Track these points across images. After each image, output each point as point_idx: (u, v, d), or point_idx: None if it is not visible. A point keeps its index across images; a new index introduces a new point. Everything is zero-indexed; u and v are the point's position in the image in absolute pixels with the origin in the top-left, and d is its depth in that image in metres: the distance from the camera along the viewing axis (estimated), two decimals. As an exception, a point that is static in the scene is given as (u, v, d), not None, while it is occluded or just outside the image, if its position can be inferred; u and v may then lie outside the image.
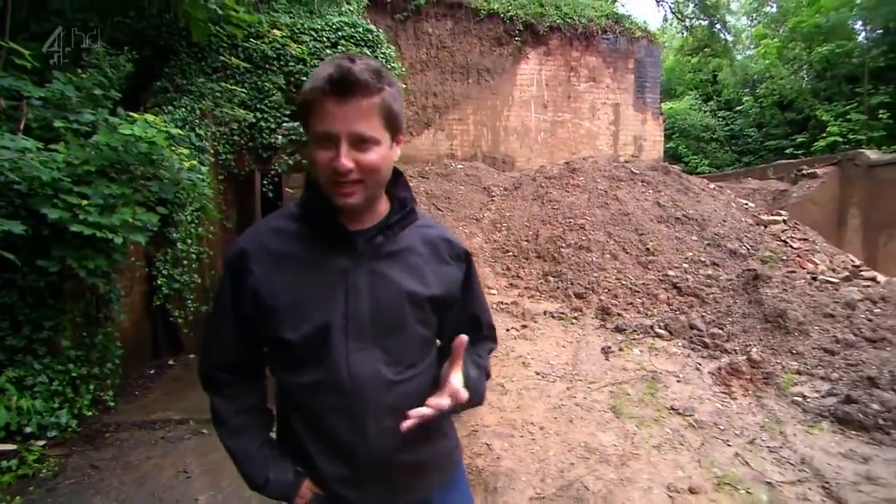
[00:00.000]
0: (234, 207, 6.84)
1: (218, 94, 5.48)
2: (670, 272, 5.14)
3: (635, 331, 4.25)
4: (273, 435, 1.18)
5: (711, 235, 5.73)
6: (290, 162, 3.79)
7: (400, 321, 1.07)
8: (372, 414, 1.04)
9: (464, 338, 1.03)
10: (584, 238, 5.59)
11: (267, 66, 6.34)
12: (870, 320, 4.41)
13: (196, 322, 5.38)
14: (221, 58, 5.64)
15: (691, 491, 2.38)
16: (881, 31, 15.62)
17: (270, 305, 1.03)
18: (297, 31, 6.59)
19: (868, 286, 5.24)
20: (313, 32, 6.72)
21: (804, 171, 11.95)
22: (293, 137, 3.74)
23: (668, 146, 21.33)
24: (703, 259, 5.33)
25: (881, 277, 5.86)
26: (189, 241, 5.16)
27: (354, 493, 1.07)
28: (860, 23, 15.89)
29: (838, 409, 3.00)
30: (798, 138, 17.11)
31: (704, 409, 3.12)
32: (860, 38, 15.97)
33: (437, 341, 1.21)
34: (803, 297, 4.42)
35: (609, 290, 4.96)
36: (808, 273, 5.39)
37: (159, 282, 4.78)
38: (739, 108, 21.43)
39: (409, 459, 1.09)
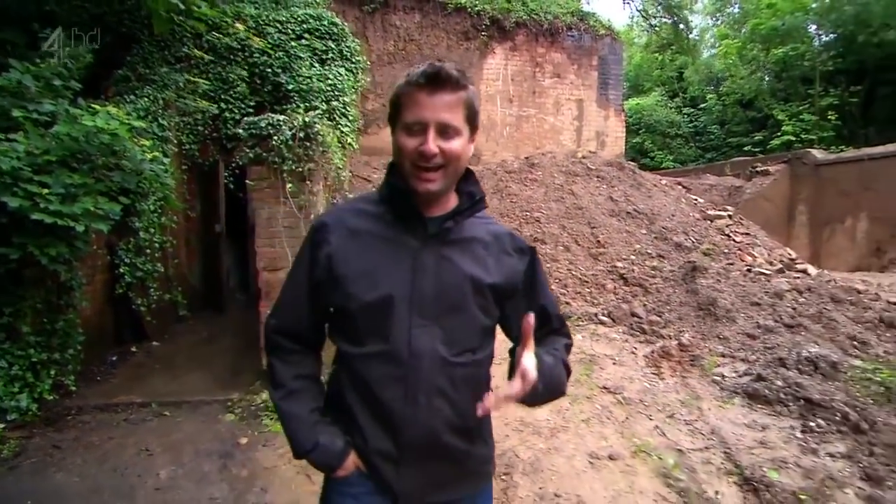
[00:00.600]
0: (199, 197, 6.91)
1: (181, 86, 5.54)
2: (618, 263, 5.48)
3: (580, 318, 4.56)
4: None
5: (659, 229, 6.10)
6: (251, 155, 3.93)
7: (461, 303, 1.13)
8: (424, 389, 1.09)
9: (531, 316, 1.05)
10: (539, 231, 5.88)
11: (231, 57, 6.40)
12: (794, 308, 4.84)
13: (159, 310, 5.47)
14: (185, 49, 5.68)
15: (610, 458, 2.68)
16: (833, 35, 16.40)
17: (342, 273, 1.12)
18: (262, 22, 6.65)
19: (798, 278, 5.69)
20: (278, 24, 6.79)
21: (757, 169, 12.55)
22: (253, 131, 3.87)
23: (634, 141, 21.94)
24: (649, 251, 5.69)
25: (812, 270, 6.34)
26: (152, 231, 5.24)
27: (393, 472, 1.12)
28: (814, 27, 16.62)
29: (749, 387, 3.36)
30: (756, 136, 17.83)
31: (633, 388, 3.44)
32: (815, 42, 16.71)
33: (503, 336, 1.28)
34: (735, 287, 4.81)
35: (560, 280, 5.27)
36: (746, 265, 5.81)
37: (122, 270, 4.87)
38: (703, 105, 22.09)
39: (452, 445, 1.13)
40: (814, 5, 15.34)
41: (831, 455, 2.75)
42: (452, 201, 1.20)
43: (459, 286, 1.13)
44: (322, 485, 1.26)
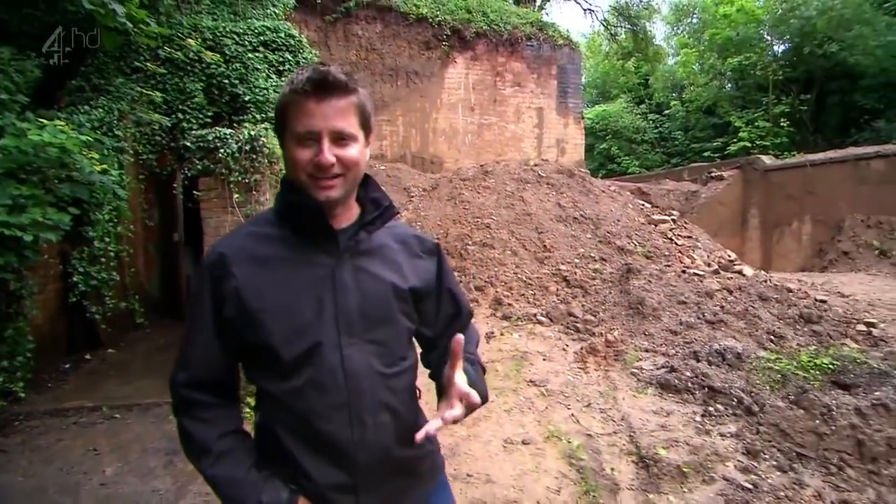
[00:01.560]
0: (157, 206, 7.04)
1: (136, 98, 5.70)
2: (562, 266, 5.82)
3: (520, 318, 4.87)
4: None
5: (604, 233, 6.47)
6: (200, 167, 4.15)
7: (387, 313, 1.12)
8: (369, 409, 1.06)
9: (461, 337, 1.05)
10: (488, 236, 6.19)
11: (189, 68, 6.58)
12: (721, 307, 5.23)
13: (115, 318, 5.60)
14: (136, 63, 5.84)
15: (524, 442, 2.97)
16: (785, 46, 17.26)
17: (256, 307, 1.04)
18: (218, 34, 6.84)
19: (731, 278, 6.11)
20: (235, 36, 6.98)
21: (713, 174, 13.14)
22: (201, 144, 4.09)
23: (601, 147, 22.60)
24: (592, 255, 6.05)
25: (749, 271, 6.78)
26: (107, 240, 5.37)
27: (348, 499, 1.07)
28: (768, 38, 17.46)
29: (662, 378, 3.71)
30: (715, 142, 18.58)
31: (557, 381, 3.76)
32: (771, 52, 17.55)
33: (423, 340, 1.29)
34: (666, 287, 5.19)
35: (506, 283, 5.58)
36: (683, 267, 6.21)
37: (75, 279, 5.00)
38: (668, 111, 22.88)
39: (405, 457, 1.13)
40: (765, 17, 16.14)
41: (722, 435, 3.10)
42: (354, 210, 1.18)
43: (384, 297, 1.12)
44: None
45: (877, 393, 3.30)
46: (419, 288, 1.19)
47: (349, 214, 1.16)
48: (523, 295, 5.42)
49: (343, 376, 1.05)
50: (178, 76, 6.42)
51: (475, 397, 1.05)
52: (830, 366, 3.80)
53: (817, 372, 3.74)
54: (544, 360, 4.12)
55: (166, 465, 3.26)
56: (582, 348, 4.26)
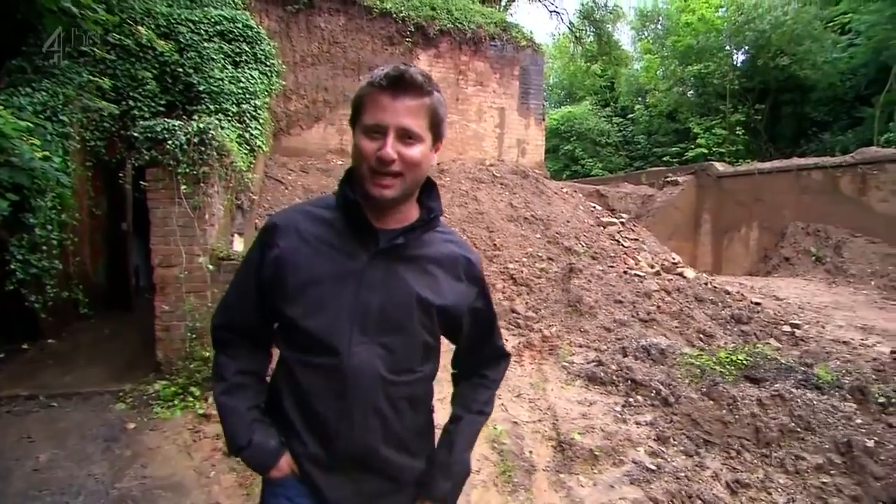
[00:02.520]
0: (105, 194, 6.99)
1: (83, 83, 5.68)
2: (510, 265, 6.10)
3: (464, 314, 5.12)
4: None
5: (553, 234, 6.78)
6: (147, 157, 4.23)
7: (405, 322, 1.14)
8: (360, 407, 1.11)
9: None
10: (441, 233, 6.42)
11: (141, 55, 6.55)
12: (657, 307, 5.61)
13: (57, 308, 5.58)
14: (83, 48, 5.80)
15: (453, 428, 3.20)
16: (744, 56, 18.10)
17: (287, 278, 1.13)
18: (173, 21, 6.83)
19: (671, 280, 6.52)
20: (191, 24, 6.97)
21: (669, 179, 13.72)
22: (149, 135, 4.18)
23: (566, 148, 23.13)
24: (540, 254, 6.35)
25: (690, 273, 7.22)
26: (49, 227, 5.34)
27: (323, 478, 1.15)
28: (728, 47, 18.26)
29: (590, 371, 4.01)
30: (674, 148, 19.32)
31: (492, 373, 4.01)
32: (732, 61, 18.34)
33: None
34: (605, 286, 5.52)
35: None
36: (626, 268, 6.59)
37: (13, 266, 4.97)
38: (632, 115, 23.60)
39: (389, 459, 1.17)
40: (724, 27, 16.90)
41: (637, 423, 3.42)
42: (413, 213, 1.20)
43: (406, 305, 1.13)
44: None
45: (776, 385, 3.68)
46: (449, 309, 1.19)
47: (404, 216, 1.18)
48: (470, 292, 5.67)
49: (348, 369, 1.09)
50: (130, 63, 6.38)
51: None
52: (745, 362, 4.18)
53: (732, 367, 4.11)
54: (483, 353, 4.37)
55: (104, 450, 3.36)
56: (520, 343, 4.53)
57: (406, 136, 1.06)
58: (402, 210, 1.17)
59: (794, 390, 3.67)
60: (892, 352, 5.41)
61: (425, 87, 1.07)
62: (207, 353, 4.27)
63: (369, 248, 1.13)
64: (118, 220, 7.08)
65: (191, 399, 4.09)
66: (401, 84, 1.04)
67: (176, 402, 4.07)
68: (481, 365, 1.41)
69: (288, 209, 1.24)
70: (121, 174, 5.83)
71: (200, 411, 3.81)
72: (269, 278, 1.16)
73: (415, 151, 1.07)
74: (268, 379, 1.30)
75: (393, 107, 1.04)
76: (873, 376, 4.39)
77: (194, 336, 4.38)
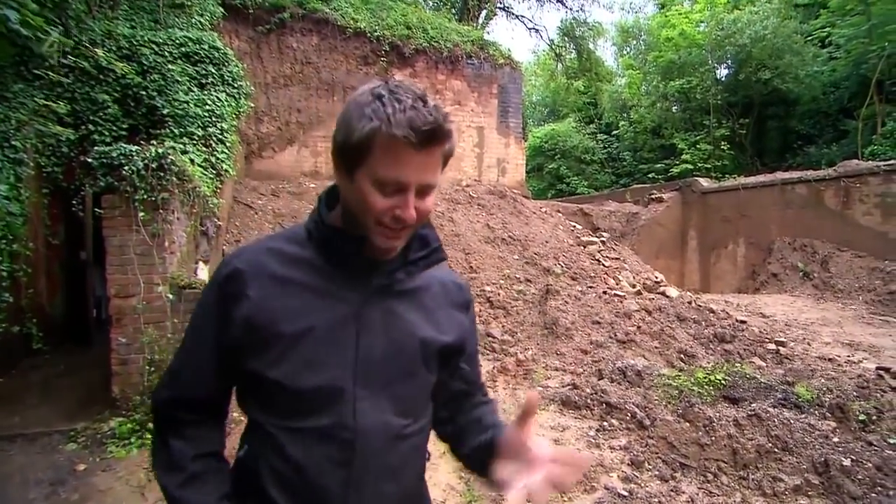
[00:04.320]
0: (63, 223, 6.97)
1: (37, 107, 5.71)
2: (487, 287, 6.16)
3: (438, 339, 5.16)
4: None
5: (531, 255, 6.87)
6: (103, 183, 4.25)
7: (412, 367, 1.05)
8: (372, 472, 0.99)
9: (536, 395, 1.04)
10: (415, 256, 6.48)
11: (101, 77, 6.60)
12: (638, 327, 5.69)
13: (6, 344, 5.50)
14: (37, 71, 5.84)
15: (419, 459, 3.21)
16: (727, 70, 18.67)
17: (268, 336, 0.98)
18: (136, 43, 6.92)
19: (653, 299, 6.62)
20: (154, 46, 7.06)
21: (653, 196, 13.97)
22: (104, 161, 4.21)
23: (550, 167, 23.48)
24: (518, 276, 6.42)
25: (674, 292, 7.34)
26: (-1, 258, 5.32)
27: None
28: (710, 62, 18.83)
29: (564, 395, 4.05)
30: (659, 164, 19.72)
31: (464, 400, 4.03)
32: (715, 76, 18.88)
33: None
34: (583, 307, 5.60)
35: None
36: (607, 288, 6.68)
37: (-41, 299, 4.92)
38: (616, 132, 24.07)
39: None
40: (704, 42, 17.44)
41: (612, 447, 3.45)
42: None
43: (410, 347, 1.05)
44: None
45: (753, 405, 3.75)
46: (452, 344, 1.12)
47: None
48: (445, 316, 5.70)
49: (352, 432, 0.98)
50: (89, 86, 6.42)
51: (584, 461, 1.03)
52: (723, 381, 4.25)
53: (710, 387, 4.18)
54: (455, 380, 4.40)
55: (49, 495, 3.31)
56: (494, 367, 4.56)
57: (425, 191, 0.95)
58: None
59: (770, 410, 3.74)
60: (877, 368, 5.53)
61: (450, 132, 0.94)
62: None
63: (362, 288, 1.02)
64: (77, 249, 7.04)
65: (148, 436, 4.05)
66: (433, 138, 0.90)
67: (132, 439, 4.03)
68: (472, 399, 1.25)
69: (248, 249, 1.06)
70: (74, 202, 5.81)
71: (157, 449, 3.76)
72: (241, 339, 0.99)
73: (430, 202, 0.97)
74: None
75: (417, 162, 0.91)
76: (855, 393, 4.48)
77: (153, 370, 4.35)
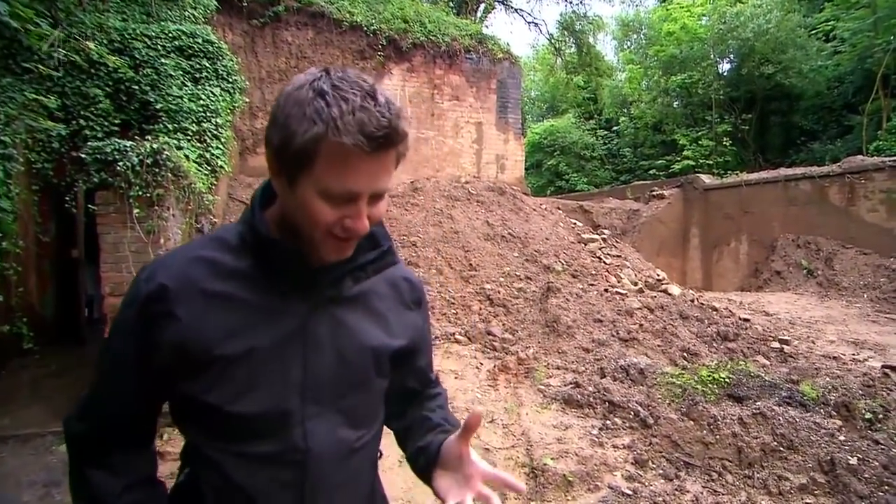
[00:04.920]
0: (54, 220, 6.96)
1: (26, 102, 5.69)
2: (487, 285, 6.17)
3: (438, 337, 5.17)
4: None
5: (531, 252, 6.89)
6: (97, 179, 4.25)
7: (363, 378, 1.01)
8: (324, 492, 0.96)
9: (479, 412, 0.96)
10: (414, 255, 6.49)
11: (93, 71, 6.59)
12: (640, 325, 5.71)
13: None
14: (26, 65, 5.82)
15: (420, 458, 3.23)
16: (728, 65, 18.71)
17: (202, 361, 0.89)
18: (127, 36, 6.90)
19: (655, 297, 6.64)
20: (147, 39, 7.04)
21: (654, 193, 14.00)
22: (98, 156, 4.21)
23: (550, 163, 23.50)
24: (518, 273, 6.44)
25: (676, 290, 7.36)
26: (-13, 256, 5.31)
27: None
28: (712, 56, 18.86)
29: (566, 394, 4.07)
30: (660, 161, 19.75)
31: (464, 398, 4.05)
32: (718, 70, 18.91)
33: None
34: (584, 305, 5.62)
35: (429, 302, 5.87)
36: (609, 286, 6.70)
37: (-54, 299, 4.92)
38: (617, 127, 24.10)
39: None
40: (707, 36, 17.46)
41: (615, 446, 3.47)
42: None
43: (362, 359, 0.99)
44: None
45: (758, 403, 3.77)
46: (406, 347, 1.08)
47: None
48: (444, 314, 5.72)
49: (303, 454, 0.93)
50: (80, 80, 6.41)
51: (521, 486, 1.00)
52: (727, 380, 4.28)
53: (714, 386, 4.21)
54: (456, 378, 4.41)
55: (42, 497, 3.31)
56: (494, 366, 4.58)
57: (377, 197, 0.87)
58: None
59: (776, 408, 3.77)
60: (882, 366, 5.56)
61: (406, 131, 0.85)
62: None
63: (307, 297, 0.94)
64: (69, 246, 7.03)
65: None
66: (387, 142, 0.81)
67: (127, 440, 4.02)
68: (424, 391, 1.24)
69: (171, 260, 0.95)
70: (67, 198, 5.80)
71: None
72: (169, 362, 0.89)
73: (383, 207, 0.90)
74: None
75: (369, 169, 0.82)
76: (860, 392, 4.51)
77: (147, 369, 4.34)
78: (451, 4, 16.24)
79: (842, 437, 3.65)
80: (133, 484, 0.97)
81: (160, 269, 0.92)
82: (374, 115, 0.79)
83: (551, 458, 3.22)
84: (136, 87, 6.71)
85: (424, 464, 1.08)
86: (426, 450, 1.08)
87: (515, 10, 18.49)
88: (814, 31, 16.84)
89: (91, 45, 5.71)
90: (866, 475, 3.31)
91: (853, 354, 6.20)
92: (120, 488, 0.95)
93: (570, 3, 18.54)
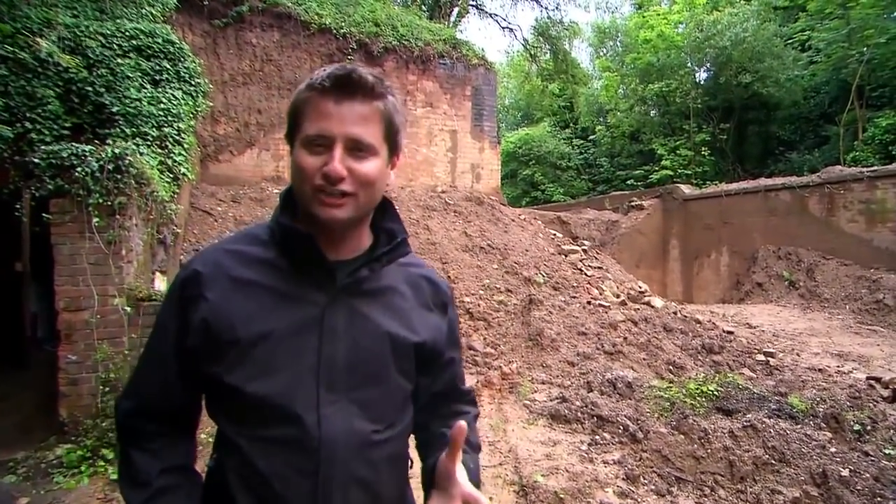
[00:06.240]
0: (-5, 230, 6.77)
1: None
2: (466, 298, 6.22)
3: (417, 353, 5.19)
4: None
5: (511, 264, 6.98)
6: (51, 186, 4.17)
7: (381, 371, 1.06)
8: (339, 483, 0.99)
9: (463, 425, 0.97)
10: (389, 266, 6.50)
11: (40, 70, 6.45)
12: (624, 338, 5.83)
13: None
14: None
15: (405, 478, 3.24)
16: (706, 73, 19.35)
17: (225, 340, 1.00)
18: (79, 33, 6.79)
19: (638, 309, 6.79)
20: (101, 38, 6.94)
21: (633, 203, 14.32)
22: (53, 161, 4.13)
23: (525, 173, 23.80)
24: (498, 286, 6.51)
25: (658, 302, 7.54)
26: (-74, 270, 5.14)
27: None
28: (690, 65, 19.49)
29: (553, 409, 4.14)
30: (637, 171, 20.23)
31: (448, 416, 4.08)
32: (695, 79, 19.52)
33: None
34: (567, 318, 5.72)
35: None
36: (590, 298, 6.83)
37: None
38: (593, 137, 24.56)
39: None
40: (684, 44, 18.04)
41: (605, 462, 3.54)
42: (366, 239, 1.13)
43: (379, 350, 1.06)
44: None
45: (748, 416, 3.90)
46: (428, 345, 1.13)
47: (357, 244, 1.11)
48: (423, 329, 5.74)
49: (317, 441, 0.98)
50: (26, 78, 6.25)
51: (484, 502, 1.01)
52: (716, 392, 4.40)
53: (703, 399, 4.33)
54: (438, 395, 4.44)
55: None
56: (478, 382, 4.62)
57: (357, 149, 0.97)
58: (356, 236, 1.10)
59: (766, 420, 3.90)
60: (867, 378, 5.79)
61: (377, 89, 1.00)
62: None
63: (325, 287, 1.03)
64: (11, 260, 6.83)
65: (101, 463, 3.96)
66: (348, 86, 0.97)
67: (83, 467, 3.92)
68: (452, 407, 1.27)
69: (207, 251, 1.10)
70: (18, 207, 5.66)
71: (114, 476, 3.68)
72: (199, 343, 1.01)
73: (368, 167, 0.99)
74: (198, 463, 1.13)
75: (340, 113, 0.96)
76: (848, 404, 4.69)
77: (108, 389, 4.25)
78: (423, 8, 16.44)
79: (833, 449, 3.80)
80: (169, 468, 1.07)
81: (196, 259, 1.09)
82: (343, 66, 0.99)
83: (541, 475, 3.26)
84: (90, 89, 6.58)
85: (424, 482, 1.14)
86: (431, 469, 1.12)
87: (490, 14, 18.83)
88: (790, 41, 17.58)
89: (43, 42, 5.59)
90: (859, 487, 3.45)
91: (838, 366, 6.44)
92: (157, 471, 1.05)
93: (546, 8, 19.00)
